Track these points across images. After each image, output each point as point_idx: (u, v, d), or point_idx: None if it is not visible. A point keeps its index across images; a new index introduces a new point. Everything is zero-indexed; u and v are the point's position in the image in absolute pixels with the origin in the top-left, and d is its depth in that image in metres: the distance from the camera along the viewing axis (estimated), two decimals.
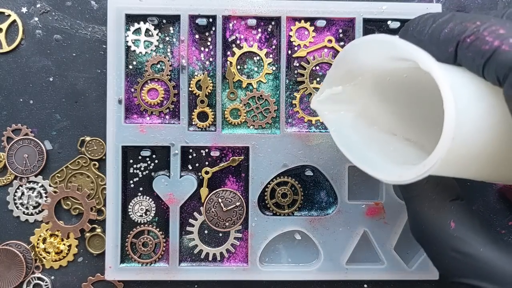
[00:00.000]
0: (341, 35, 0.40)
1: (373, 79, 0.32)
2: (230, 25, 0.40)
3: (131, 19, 0.39)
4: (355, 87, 0.32)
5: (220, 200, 0.39)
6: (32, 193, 0.41)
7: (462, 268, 0.27)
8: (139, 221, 0.40)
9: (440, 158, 0.23)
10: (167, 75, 0.39)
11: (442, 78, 0.23)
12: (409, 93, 0.33)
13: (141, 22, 0.39)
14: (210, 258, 0.40)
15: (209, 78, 0.40)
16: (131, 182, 0.40)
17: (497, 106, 0.25)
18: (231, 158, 0.40)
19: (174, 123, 0.39)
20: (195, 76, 0.40)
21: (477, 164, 0.27)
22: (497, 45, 0.24)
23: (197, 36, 0.40)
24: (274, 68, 0.40)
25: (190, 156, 0.40)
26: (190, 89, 0.39)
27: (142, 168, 0.40)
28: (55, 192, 0.40)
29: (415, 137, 0.32)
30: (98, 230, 0.41)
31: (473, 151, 0.25)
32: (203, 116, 0.40)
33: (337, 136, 0.32)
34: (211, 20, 0.39)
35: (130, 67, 0.39)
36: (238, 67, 0.40)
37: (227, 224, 0.39)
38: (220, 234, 0.41)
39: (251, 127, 0.40)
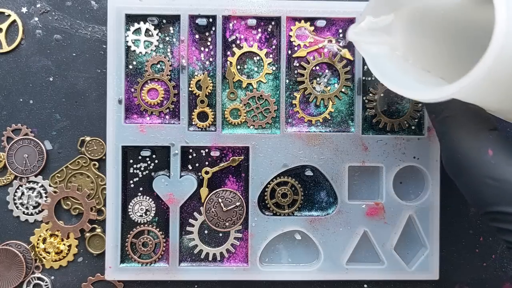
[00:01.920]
0: (341, 35, 0.40)
1: (412, 12, 0.32)
2: (230, 25, 0.40)
3: (131, 19, 0.39)
4: (394, 19, 0.32)
5: (220, 200, 0.39)
6: (32, 193, 0.41)
7: (497, 195, 0.27)
8: (139, 221, 0.40)
9: (483, 72, 0.22)
10: (167, 75, 0.39)
11: None
12: (447, 30, 0.32)
13: (141, 22, 0.39)
14: (210, 258, 0.40)
15: (209, 78, 0.40)
16: (131, 182, 0.40)
17: None
18: (231, 158, 0.40)
19: (174, 123, 0.39)
20: (195, 76, 0.40)
21: None
22: None
23: (197, 36, 0.40)
24: (274, 68, 0.40)
25: (190, 156, 0.40)
26: (190, 89, 0.39)
27: (142, 168, 0.40)
28: (55, 192, 0.40)
29: (449, 77, 0.32)
30: (98, 230, 0.41)
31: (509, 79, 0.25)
32: (203, 116, 0.40)
33: (373, 65, 0.31)
34: (211, 20, 0.39)
35: (130, 67, 0.39)
36: (238, 67, 0.40)
37: (227, 224, 0.39)
38: (220, 234, 0.41)
39: (251, 127, 0.40)
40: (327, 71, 0.40)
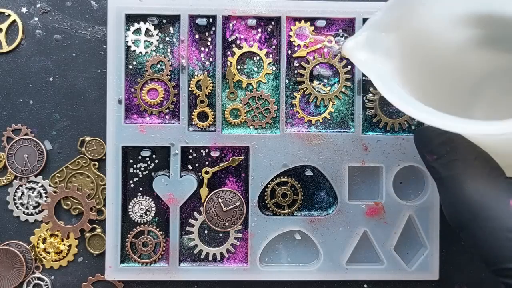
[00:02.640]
0: (341, 35, 0.40)
1: (417, 36, 0.29)
2: (230, 25, 0.40)
3: (131, 19, 0.39)
4: (397, 39, 0.29)
5: (220, 200, 0.39)
6: (32, 193, 0.41)
7: None
8: (139, 221, 0.40)
9: None
10: (167, 75, 0.39)
11: None
12: (447, 69, 0.31)
13: (141, 22, 0.39)
14: (210, 258, 0.40)
15: (209, 78, 0.40)
16: (131, 182, 0.40)
17: None
18: (231, 158, 0.40)
19: (174, 123, 0.39)
20: (195, 76, 0.40)
21: None
22: None
23: (197, 36, 0.40)
24: (274, 68, 0.40)
25: (190, 156, 0.40)
26: (190, 89, 0.39)
27: (142, 168, 0.40)
28: (55, 192, 0.40)
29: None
30: (98, 230, 0.41)
31: None
32: (203, 116, 0.40)
33: (382, 83, 0.28)
34: (211, 20, 0.39)
35: (130, 67, 0.39)
36: (238, 67, 0.40)
37: (227, 224, 0.39)
38: (220, 234, 0.41)
39: (251, 127, 0.40)
40: (326, 69, 0.40)
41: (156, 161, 0.40)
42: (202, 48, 0.40)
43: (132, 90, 0.40)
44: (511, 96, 0.33)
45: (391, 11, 0.28)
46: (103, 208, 0.41)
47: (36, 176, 0.41)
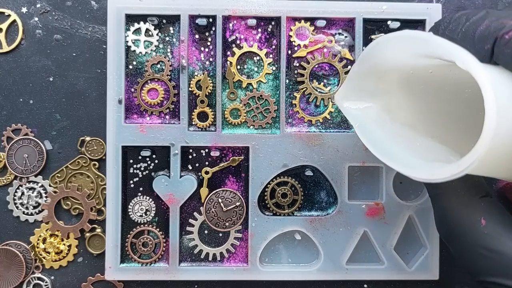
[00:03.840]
0: (341, 35, 0.40)
1: (397, 73, 0.32)
2: (230, 25, 0.40)
3: (131, 19, 0.39)
4: (379, 82, 0.32)
5: (220, 200, 0.39)
6: (32, 193, 0.41)
7: (492, 267, 0.26)
8: (139, 221, 0.40)
9: (478, 159, 0.22)
10: (167, 75, 0.39)
11: (484, 77, 0.22)
12: (433, 88, 0.32)
13: (141, 22, 0.39)
14: (210, 258, 0.40)
15: (209, 78, 0.40)
16: (131, 182, 0.40)
17: None
18: (231, 158, 0.40)
19: (174, 123, 0.39)
20: (195, 76, 0.40)
21: None
22: None
23: (197, 36, 0.40)
24: (274, 68, 0.40)
25: (190, 156, 0.40)
26: (190, 89, 0.39)
27: (142, 168, 0.40)
28: (55, 192, 0.40)
29: (437, 133, 0.32)
30: (98, 230, 0.41)
31: (511, 151, 0.24)
32: (203, 116, 0.40)
33: (361, 132, 0.31)
34: (211, 20, 0.39)
35: (130, 67, 0.39)
36: (238, 67, 0.40)
37: (227, 224, 0.39)
38: (220, 234, 0.41)
39: (251, 127, 0.40)
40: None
41: (156, 161, 0.40)
42: (202, 48, 0.40)
43: (132, 90, 0.39)
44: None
45: (363, 62, 0.31)
46: (103, 208, 0.41)
47: (36, 176, 0.41)
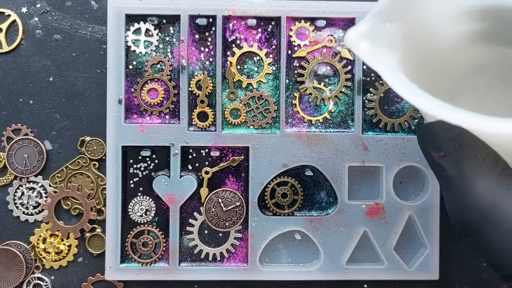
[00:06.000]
0: (341, 36, 0.40)
1: (418, 29, 0.28)
2: (230, 25, 0.40)
3: (131, 19, 0.39)
4: (400, 30, 0.27)
5: (220, 200, 0.39)
6: (32, 193, 0.41)
7: None
8: (139, 221, 0.40)
9: None
10: (167, 75, 0.39)
11: None
12: (439, 59, 0.30)
13: (141, 22, 0.39)
14: (210, 258, 0.40)
15: (209, 78, 0.40)
16: (131, 182, 0.40)
17: None
18: (231, 158, 0.40)
19: (174, 123, 0.39)
20: (195, 76, 0.40)
21: None
22: None
23: (197, 36, 0.40)
24: (274, 68, 0.40)
25: (190, 156, 0.40)
26: (190, 89, 0.39)
27: (142, 168, 0.40)
28: (55, 192, 0.40)
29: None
30: (98, 230, 0.41)
31: None
32: (203, 116, 0.40)
33: (391, 75, 0.24)
34: (211, 20, 0.39)
35: (130, 67, 0.39)
36: (238, 67, 0.40)
37: (227, 224, 0.39)
38: (220, 234, 0.41)
39: (251, 127, 0.40)
40: (328, 68, 0.40)
41: (156, 161, 0.40)
42: (202, 48, 0.40)
43: (132, 90, 0.40)
44: (497, 89, 0.33)
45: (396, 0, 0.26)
46: (103, 208, 0.41)
47: (36, 176, 0.41)
